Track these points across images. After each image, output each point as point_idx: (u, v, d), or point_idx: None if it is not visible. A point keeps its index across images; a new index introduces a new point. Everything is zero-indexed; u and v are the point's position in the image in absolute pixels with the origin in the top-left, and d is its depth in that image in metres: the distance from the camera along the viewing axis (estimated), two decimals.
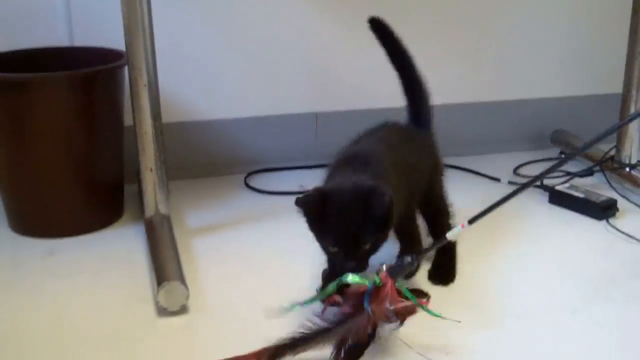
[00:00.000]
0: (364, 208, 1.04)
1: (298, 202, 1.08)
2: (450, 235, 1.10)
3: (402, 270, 1.06)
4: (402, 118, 1.39)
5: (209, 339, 1.14)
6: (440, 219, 1.32)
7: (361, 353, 1.04)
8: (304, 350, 1.02)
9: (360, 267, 1.07)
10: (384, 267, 1.05)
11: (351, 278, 1.04)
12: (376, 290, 1.03)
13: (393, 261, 1.09)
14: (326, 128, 1.86)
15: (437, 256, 1.32)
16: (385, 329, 1.06)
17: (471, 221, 1.10)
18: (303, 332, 1.02)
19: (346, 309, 1.04)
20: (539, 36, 1.98)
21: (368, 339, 1.04)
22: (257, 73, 1.80)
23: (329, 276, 1.16)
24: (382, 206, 1.04)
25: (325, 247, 1.10)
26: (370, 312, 1.01)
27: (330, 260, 1.19)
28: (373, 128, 1.31)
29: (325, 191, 1.10)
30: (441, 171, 1.35)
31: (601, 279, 1.31)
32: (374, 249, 1.08)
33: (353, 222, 1.05)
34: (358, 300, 1.03)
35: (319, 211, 1.07)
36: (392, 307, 1.02)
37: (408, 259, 1.06)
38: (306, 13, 1.79)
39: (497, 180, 1.80)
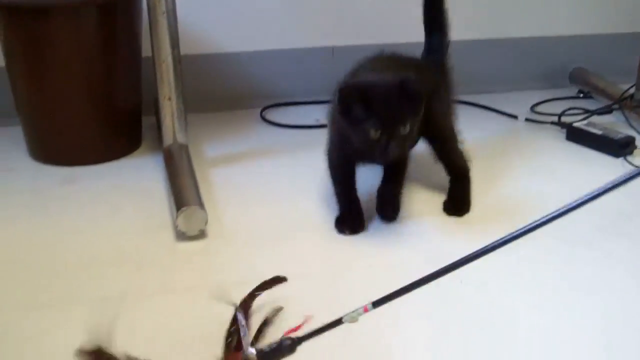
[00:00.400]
0: (402, 95, 1.13)
1: (343, 91, 1.13)
2: (346, 319, 0.84)
3: (277, 354, 0.86)
4: (418, 52, 1.38)
5: (225, 262, 1.16)
6: (443, 146, 1.34)
7: None
8: None
9: (401, 149, 1.14)
10: (254, 351, 0.86)
11: None
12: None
13: None
14: (343, 62, 1.85)
15: (451, 188, 1.34)
16: None
17: (375, 304, 0.83)
18: None
19: None
20: None
21: None
22: (275, 6, 1.79)
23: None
24: (416, 93, 1.15)
25: (364, 137, 1.13)
26: None
27: (343, 191, 1.26)
28: (369, 57, 1.34)
29: (367, 82, 1.17)
30: (442, 99, 1.35)
31: (616, 214, 1.31)
32: (411, 135, 1.16)
33: (394, 106, 1.13)
34: None
35: (363, 99, 1.12)
36: None
37: (287, 342, 0.85)
38: None
39: (515, 117, 1.79)
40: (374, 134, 1.12)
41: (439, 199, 1.34)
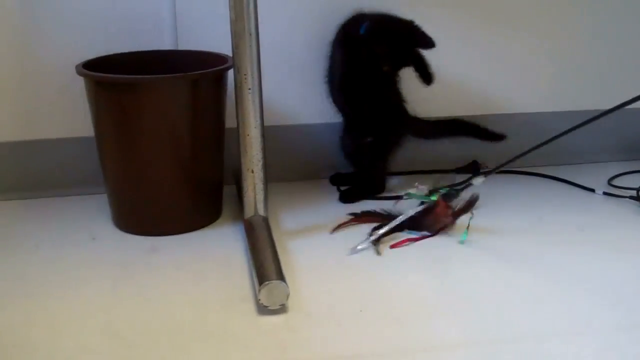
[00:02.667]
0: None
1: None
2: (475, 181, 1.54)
3: (451, 196, 1.52)
4: None
5: (306, 337, 1.16)
6: None
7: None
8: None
9: None
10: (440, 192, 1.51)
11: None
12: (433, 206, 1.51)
13: None
14: None
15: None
16: None
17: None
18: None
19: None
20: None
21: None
22: None
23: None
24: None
25: None
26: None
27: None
28: None
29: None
30: None
31: None
32: None
33: None
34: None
35: None
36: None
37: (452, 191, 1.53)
38: None
39: (592, 190, 1.77)
40: None
41: None
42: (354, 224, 1.57)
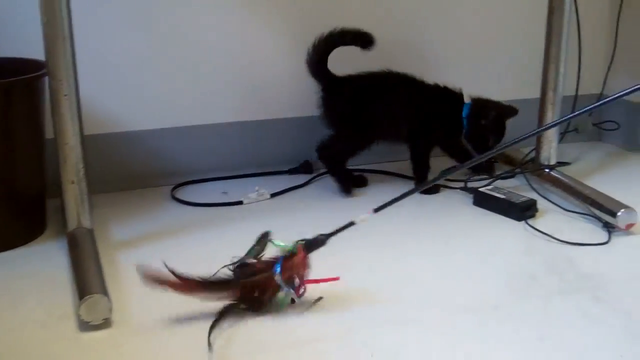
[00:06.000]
0: None
1: None
2: (357, 220, 1.25)
3: (314, 244, 1.23)
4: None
5: (133, 351, 1.12)
6: None
7: (259, 308, 1.21)
8: (213, 292, 1.20)
9: None
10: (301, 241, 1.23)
11: (277, 242, 1.25)
12: (289, 257, 1.21)
13: None
14: (252, 137, 1.87)
15: None
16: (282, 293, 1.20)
17: (377, 210, 1.26)
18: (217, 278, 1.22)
19: (260, 265, 1.22)
20: None
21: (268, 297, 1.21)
22: (182, 82, 1.79)
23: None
24: None
25: None
26: (277, 273, 1.19)
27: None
28: None
29: None
30: None
31: (522, 276, 1.35)
32: None
33: None
34: (272, 262, 1.21)
35: None
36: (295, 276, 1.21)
37: (322, 237, 1.23)
38: (232, 21, 1.79)
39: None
40: None
41: None
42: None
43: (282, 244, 1.23)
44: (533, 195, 1.68)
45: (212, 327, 1.16)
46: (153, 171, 1.80)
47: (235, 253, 1.25)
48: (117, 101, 1.75)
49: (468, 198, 1.72)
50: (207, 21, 1.77)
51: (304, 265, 1.21)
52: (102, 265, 1.32)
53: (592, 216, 1.58)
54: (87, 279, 1.24)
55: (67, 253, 1.39)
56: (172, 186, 1.80)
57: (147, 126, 1.78)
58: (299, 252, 1.21)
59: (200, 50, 1.78)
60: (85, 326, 1.16)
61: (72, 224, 1.42)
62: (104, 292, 1.18)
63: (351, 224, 1.24)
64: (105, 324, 1.17)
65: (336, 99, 1.74)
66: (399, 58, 1.84)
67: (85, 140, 1.43)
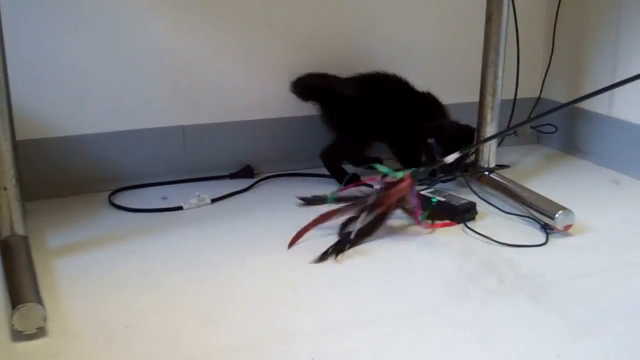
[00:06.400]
0: None
1: None
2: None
3: (419, 173, 1.50)
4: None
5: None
6: None
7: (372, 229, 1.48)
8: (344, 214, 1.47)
9: None
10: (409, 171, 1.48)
11: (383, 168, 1.53)
12: (397, 182, 1.47)
13: None
14: (193, 141, 1.84)
15: None
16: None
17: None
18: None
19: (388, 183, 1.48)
20: None
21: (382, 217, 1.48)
22: (120, 86, 1.76)
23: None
24: None
25: None
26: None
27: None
28: None
29: None
30: None
31: (460, 278, 1.36)
32: None
33: None
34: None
35: None
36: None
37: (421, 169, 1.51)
38: (171, 25, 1.77)
39: None
40: None
41: None
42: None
43: (387, 169, 1.51)
44: (473, 198, 1.70)
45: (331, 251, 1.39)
46: (90, 177, 1.76)
47: (175, 259, 1.22)
48: (53, 106, 1.70)
49: None
50: (147, 24, 1.74)
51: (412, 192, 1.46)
52: (37, 273, 1.28)
53: (530, 218, 1.61)
54: (20, 288, 1.20)
55: (0, 261, 1.34)
56: (110, 192, 1.76)
57: (84, 131, 1.74)
58: (405, 179, 1.44)
59: (138, 53, 1.75)
60: (19, 336, 1.13)
61: (4, 232, 1.37)
62: (38, 300, 1.15)
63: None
64: (40, 333, 1.14)
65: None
66: (342, 63, 1.85)
67: (19, 146, 1.39)
